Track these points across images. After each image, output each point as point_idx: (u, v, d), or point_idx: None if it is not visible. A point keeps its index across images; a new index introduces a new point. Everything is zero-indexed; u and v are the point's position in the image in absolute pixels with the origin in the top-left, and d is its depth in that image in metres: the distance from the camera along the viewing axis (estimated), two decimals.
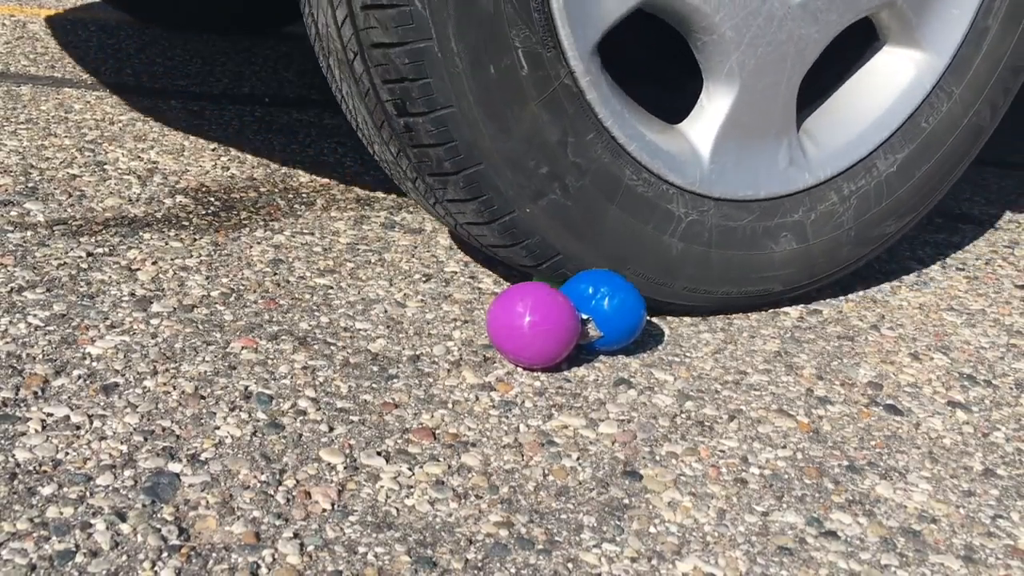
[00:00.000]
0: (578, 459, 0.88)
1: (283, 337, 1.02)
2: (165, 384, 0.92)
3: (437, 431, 0.90)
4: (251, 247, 1.23)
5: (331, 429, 0.88)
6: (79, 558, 0.70)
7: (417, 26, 0.93)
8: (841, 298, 1.28)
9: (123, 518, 0.74)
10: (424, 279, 1.20)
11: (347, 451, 0.85)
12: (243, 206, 1.36)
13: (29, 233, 1.19)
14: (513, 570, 0.74)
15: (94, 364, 0.93)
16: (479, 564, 0.74)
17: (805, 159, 1.17)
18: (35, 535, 0.71)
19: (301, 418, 0.89)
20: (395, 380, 0.97)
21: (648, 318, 1.15)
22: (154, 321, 1.02)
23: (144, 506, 0.75)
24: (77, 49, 2.09)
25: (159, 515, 0.75)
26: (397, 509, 0.79)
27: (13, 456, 0.79)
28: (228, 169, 1.49)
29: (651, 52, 1.61)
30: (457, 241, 1.33)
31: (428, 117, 0.98)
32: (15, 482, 0.76)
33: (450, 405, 0.94)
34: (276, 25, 2.45)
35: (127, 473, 0.79)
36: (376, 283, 1.17)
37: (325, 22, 1.00)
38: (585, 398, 0.98)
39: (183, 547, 0.72)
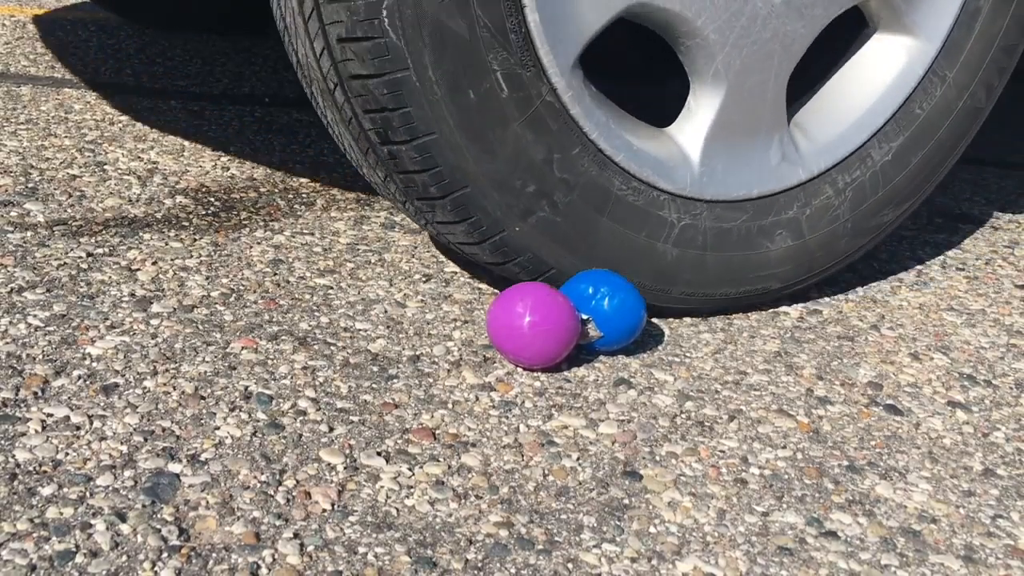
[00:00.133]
0: (578, 459, 0.88)
1: (283, 337, 1.02)
2: (165, 384, 0.92)
3: (437, 431, 0.90)
4: (251, 247, 1.23)
5: (331, 429, 0.88)
6: (79, 558, 0.70)
7: (393, 57, 0.93)
8: (841, 298, 1.28)
9: (123, 518, 0.74)
10: (424, 279, 1.20)
11: (347, 451, 0.85)
12: (243, 206, 1.36)
13: (29, 233, 1.19)
14: (513, 570, 0.74)
15: (94, 364, 0.93)
16: (479, 564, 0.74)
17: (798, 154, 1.16)
18: (35, 535, 0.71)
19: (301, 418, 0.89)
20: (395, 380, 0.97)
21: (648, 318, 1.15)
22: (154, 321, 1.02)
23: (144, 506, 0.75)
24: (77, 49, 2.09)
25: (159, 515, 0.75)
26: (397, 509, 0.79)
27: (13, 456, 0.79)
28: (228, 169, 1.49)
29: (634, 52, 1.60)
30: None
31: (411, 144, 0.98)
32: (15, 482, 0.76)
33: (450, 405, 0.94)
34: (265, 25, 2.44)
35: (127, 473, 0.79)
36: (376, 283, 1.17)
37: (304, 53, 1.00)
38: (585, 398, 0.98)
39: (183, 547, 0.72)
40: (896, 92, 1.19)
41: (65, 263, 1.12)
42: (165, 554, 0.71)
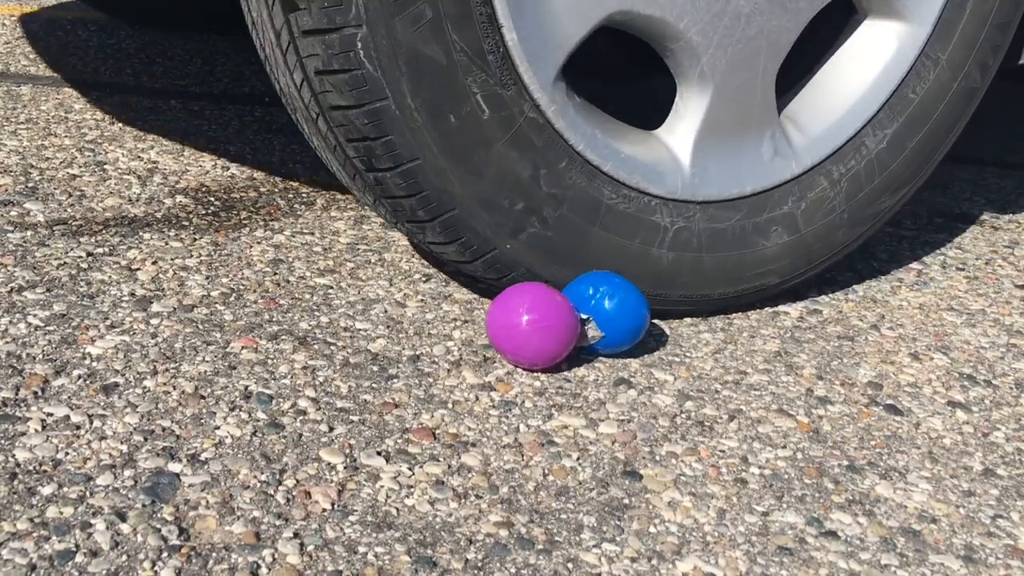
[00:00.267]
0: (578, 459, 0.88)
1: (283, 337, 1.02)
2: (165, 384, 0.92)
3: (437, 431, 0.90)
4: (251, 247, 1.23)
5: (331, 429, 0.88)
6: (79, 558, 0.70)
7: (371, 88, 0.93)
8: (841, 298, 1.28)
9: (123, 518, 0.74)
10: (424, 279, 1.20)
11: (347, 451, 0.85)
12: (243, 206, 1.36)
13: (29, 233, 1.19)
14: (513, 570, 0.74)
15: (94, 364, 0.93)
16: (479, 564, 0.74)
17: (790, 148, 1.15)
18: (35, 535, 0.71)
19: (301, 418, 0.89)
20: (395, 380, 0.97)
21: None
22: (154, 321, 1.02)
23: (144, 506, 0.75)
24: (77, 49, 2.09)
25: (159, 515, 0.75)
26: (397, 509, 0.79)
27: (13, 456, 0.79)
28: (228, 169, 1.49)
29: (618, 52, 1.58)
30: None
31: (395, 171, 0.98)
32: (15, 482, 0.76)
33: (450, 405, 0.94)
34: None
35: (127, 473, 0.79)
36: (376, 283, 1.17)
37: (286, 82, 1.00)
38: (585, 398, 0.98)
39: (183, 547, 0.72)
40: (888, 78, 1.17)
41: (65, 263, 1.12)
42: (165, 554, 0.71)
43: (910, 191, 1.24)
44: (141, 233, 1.23)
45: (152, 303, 1.06)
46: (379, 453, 0.86)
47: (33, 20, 2.33)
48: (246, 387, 0.93)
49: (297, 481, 0.81)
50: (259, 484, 0.80)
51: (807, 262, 1.19)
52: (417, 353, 1.02)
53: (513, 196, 1.01)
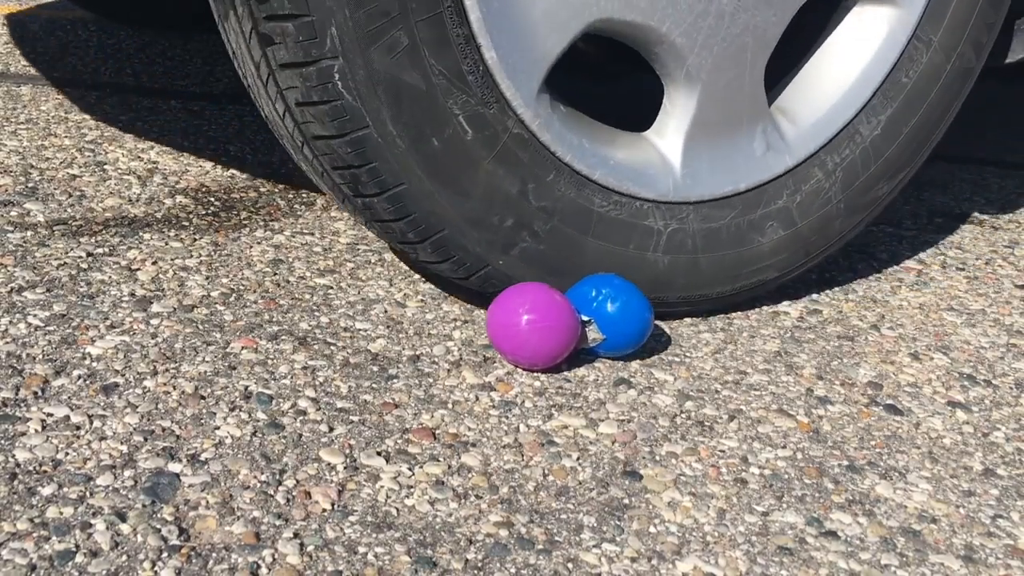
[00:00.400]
0: (578, 459, 0.88)
1: (283, 337, 1.02)
2: (165, 384, 0.92)
3: (437, 431, 0.90)
4: (251, 247, 1.23)
5: (331, 429, 0.88)
6: (79, 558, 0.70)
7: (352, 117, 0.93)
8: (841, 298, 1.28)
9: (123, 518, 0.74)
10: (424, 279, 1.20)
11: (347, 451, 0.85)
12: (243, 206, 1.36)
13: (29, 233, 1.19)
14: (513, 570, 0.74)
15: (94, 364, 0.93)
16: (479, 564, 0.74)
17: (783, 141, 1.14)
18: (35, 535, 0.71)
19: (301, 418, 0.89)
20: (395, 380, 0.97)
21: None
22: (154, 321, 1.02)
23: (144, 506, 0.75)
24: (77, 49, 2.09)
25: (159, 515, 0.75)
26: (397, 509, 0.79)
27: (13, 456, 0.79)
28: (228, 169, 1.49)
29: (602, 52, 1.57)
30: None
31: (382, 197, 0.98)
32: (15, 482, 0.76)
33: (450, 405, 0.94)
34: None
35: (127, 473, 0.79)
36: (376, 283, 1.17)
37: (270, 111, 1.00)
38: (585, 398, 0.98)
39: (183, 547, 0.72)
40: (880, 63, 1.16)
41: (65, 263, 1.12)
42: (165, 554, 0.71)
43: (907, 176, 1.22)
44: (141, 233, 1.23)
45: (152, 303, 1.06)
46: (379, 453, 0.86)
47: (33, 20, 2.33)
48: (246, 387, 0.93)
49: (297, 481, 0.81)
50: (259, 484, 0.80)
51: (805, 254, 1.19)
52: (417, 353, 1.02)
53: (503, 212, 1.01)
